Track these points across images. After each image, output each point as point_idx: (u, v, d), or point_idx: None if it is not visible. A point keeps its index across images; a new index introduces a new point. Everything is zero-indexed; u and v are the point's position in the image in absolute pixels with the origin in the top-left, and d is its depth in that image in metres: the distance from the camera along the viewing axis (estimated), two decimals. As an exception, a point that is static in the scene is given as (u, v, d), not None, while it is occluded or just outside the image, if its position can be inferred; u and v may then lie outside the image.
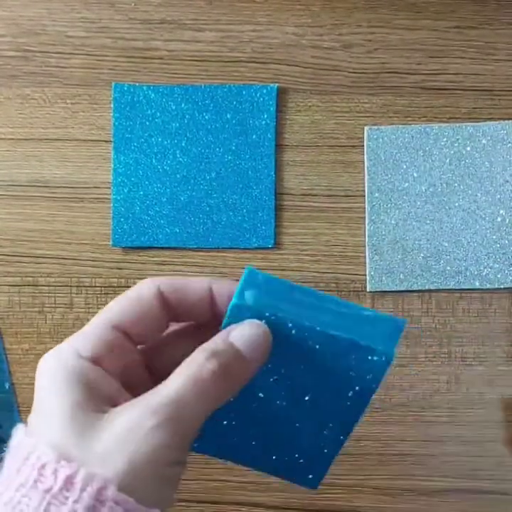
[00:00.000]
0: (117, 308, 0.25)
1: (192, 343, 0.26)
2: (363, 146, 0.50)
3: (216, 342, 0.24)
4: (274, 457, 0.27)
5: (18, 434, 0.23)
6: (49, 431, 0.22)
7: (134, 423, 0.22)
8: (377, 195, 0.50)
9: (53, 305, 0.50)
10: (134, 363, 0.26)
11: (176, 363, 0.25)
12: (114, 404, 0.23)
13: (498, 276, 0.49)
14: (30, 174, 0.50)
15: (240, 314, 0.25)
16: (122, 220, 0.50)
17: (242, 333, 0.24)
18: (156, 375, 0.26)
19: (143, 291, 0.25)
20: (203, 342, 0.25)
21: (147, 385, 0.25)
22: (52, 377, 0.23)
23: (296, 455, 0.27)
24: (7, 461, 0.22)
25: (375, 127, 0.50)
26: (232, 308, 0.25)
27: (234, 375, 0.24)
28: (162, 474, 0.22)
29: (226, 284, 0.26)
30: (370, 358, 0.24)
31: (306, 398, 0.25)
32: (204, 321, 0.27)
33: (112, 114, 0.50)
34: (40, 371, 0.24)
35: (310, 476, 0.27)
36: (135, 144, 0.50)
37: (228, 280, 0.26)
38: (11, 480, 0.21)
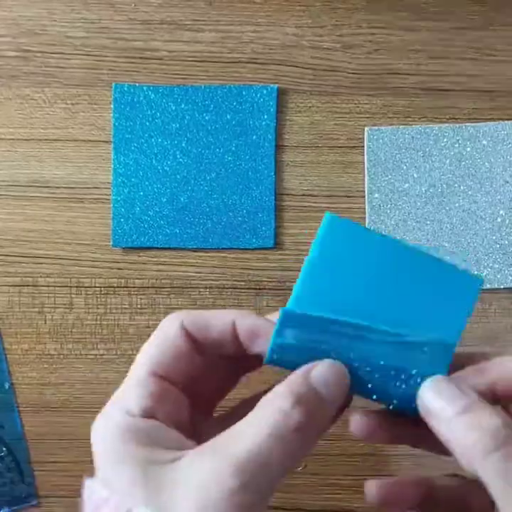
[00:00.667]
0: (151, 354, 0.24)
1: (224, 372, 0.26)
2: (363, 146, 0.50)
3: (297, 384, 0.22)
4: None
5: (102, 493, 0.22)
6: (129, 492, 0.21)
7: (213, 479, 0.20)
8: (377, 195, 0.50)
9: (53, 305, 0.50)
10: (182, 407, 0.25)
11: (214, 391, 0.25)
12: (177, 450, 0.22)
13: (498, 276, 0.49)
14: (30, 174, 0.50)
15: (282, 352, 0.24)
16: (122, 220, 0.50)
17: (322, 375, 0.23)
18: (197, 408, 0.26)
19: (169, 331, 0.25)
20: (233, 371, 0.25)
21: (197, 424, 0.25)
22: (108, 438, 0.23)
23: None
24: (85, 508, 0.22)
25: (375, 128, 0.50)
26: (273, 347, 0.24)
27: (319, 423, 0.22)
28: None
29: (248, 319, 0.25)
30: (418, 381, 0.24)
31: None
32: (229, 352, 0.25)
33: (111, 115, 0.50)
34: (96, 433, 0.23)
35: None
36: (135, 145, 0.50)
37: (250, 313, 0.25)
38: None
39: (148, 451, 0.22)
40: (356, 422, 0.25)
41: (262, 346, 0.24)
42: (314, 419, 0.21)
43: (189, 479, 0.20)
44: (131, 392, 0.24)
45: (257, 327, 0.24)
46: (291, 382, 0.22)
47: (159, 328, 0.25)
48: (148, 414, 0.23)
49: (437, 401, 0.23)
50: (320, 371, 0.23)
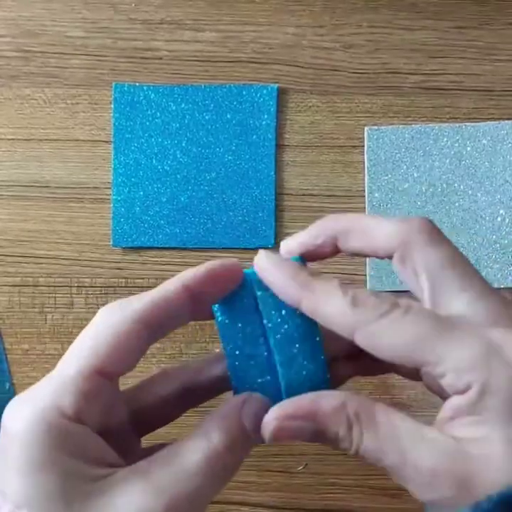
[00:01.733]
0: (90, 348, 0.22)
1: (172, 383, 0.25)
2: (363, 146, 0.50)
3: (231, 425, 0.22)
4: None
5: (7, 507, 0.20)
6: (41, 506, 0.19)
7: (142, 509, 0.20)
8: (377, 195, 0.50)
9: (53, 305, 0.50)
10: (119, 412, 0.24)
11: (155, 405, 0.25)
12: (105, 466, 0.21)
13: (498, 276, 0.49)
14: (30, 174, 0.50)
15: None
16: (122, 220, 0.50)
17: (254, 415, 0.23)
18: (135, 421, 0.25)
19: (115, 321, 0.23)
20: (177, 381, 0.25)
21: (128, 435, 0.24)
22: (27, 439, 0.20)
23: None
24: None
25: (375, 127, 0.50)
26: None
27: (244, 456, 0.23)
28: None
29: (193, 273, 0.24)
30: None
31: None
32: (184, 322, 0.25)
33: (112, 115, 0.50)
34: (11, 427, 0.20)
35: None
36: (135, 144, 0.50)
37: (195, 269, 0.24)
38: None
39: (74, 462, 0.20)
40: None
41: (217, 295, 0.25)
42: (242, 456, 0.22)
43: (115, 505, 0.20)
44: (60, 387, 0.22)
45: (207, 274, 0.24)
46: (225, 420, 0.22)
47: (102, 318, 0.23)
48: (77, 416, 0.21)
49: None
50: (251, 410, 0.23)
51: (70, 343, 0.54)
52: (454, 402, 0.21)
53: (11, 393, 0.50)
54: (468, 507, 0.19)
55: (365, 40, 0.50)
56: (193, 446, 0.22)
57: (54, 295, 0.50)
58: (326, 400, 0.22)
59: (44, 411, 0.21)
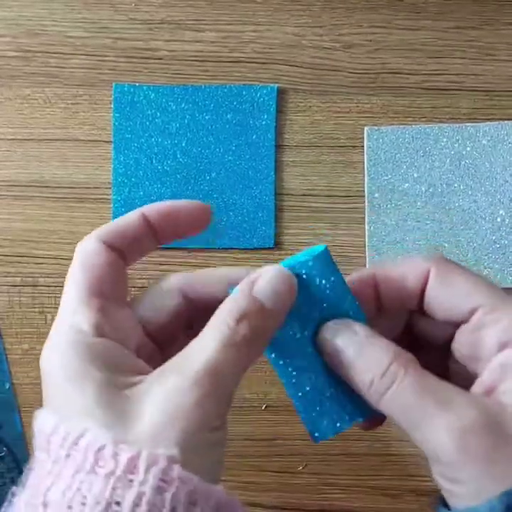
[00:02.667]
0: (81, 277, 0.24)
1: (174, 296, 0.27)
2: (363, 146, 0.50)
3: (241, 301, 0.23)
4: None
5: (50, 420, 0.22)
6: (85, 416, 0.21)
7: (177, 396, 0.21)
8: (377, 195, 0.50)
9: (53, 305, 0.50)
10: (133, 329, 0.25)
11: (164, 322, 0.26)
12: (135, 374, 0.22)
13: (498, 276, 0.49)
14: (31, 174, 0.50)
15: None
16: (122, 220, 0.50)
17: (265, 288, 0.23)
18: (159, 342, 0.26)
19: (90, 251, 0.25)
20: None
21: (155, 352, 0.25)
22: (62, 362, 0.22)
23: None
24: (42, 448, 0.21)
25: (375, 127, 0.50)
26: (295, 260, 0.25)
27: (265, 332, 0.23)
28: (212, 442, 0.22)
29: (157, 205, 0.26)
30: None
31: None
32: (149, 249, 0.27)
33: (112, 115, 0.50)
34: (47, 360, 0.23)
35: (316, 434, 0.26)
36: (135, 144, 0.50)
37: (158, 203, 0.27)
38: (58, 468, 0.20)
39: (107, 372, 0.22)
40: None
41: (182, 230, 0.27)
42: (259, 330, 0.23)
43: (151, 398, 0.21)
44: (74, 312, 0.23)
45: (169, 208, 0.26)
46: (236, 297, 0.23)
47: (79, 251, 0.25)
48: (98, 331, 0.23)
49: (336, 347, 0.24)
50: (264, 284, 0.23)
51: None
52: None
53: (11, 393, 0.50)
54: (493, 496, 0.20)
55: (365, 40, 0.50)
56: (209, 329, 0.23)
57: (54, 295, 0.50)
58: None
59: (67, 336, 0.23)
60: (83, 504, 0.19)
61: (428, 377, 0.23)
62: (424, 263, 0.25)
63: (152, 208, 0.26)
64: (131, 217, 0.26)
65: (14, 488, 0.21)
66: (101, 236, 0.25)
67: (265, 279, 0.24)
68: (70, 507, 0.19)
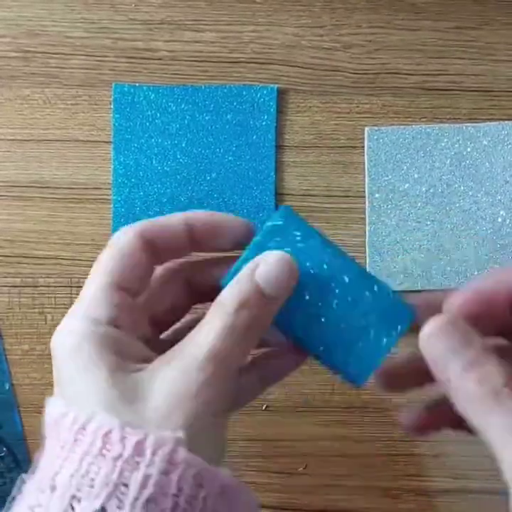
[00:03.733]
0: (109, 266, 0.25)
1: (179, 291, 0.27)
2: (364, 146, 0.50)
3: (242, 287, 0.23)
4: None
5: (59, 406, 0.22)
6: (94, 400, 0.21)
7: (183, 380, 0.22)
8: (377, 195, 0.50)
9: (53, 306, 0.50)
10: (143, 320, 0.26)
11: (169, 311, 0.26)
12: (143, 361, 0.23)
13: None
14: (30, 175, 0.50)
15: (270, 235, 0.25)
16: (122, 220, 0.50)
17: (268, 273, 0.23)
18: (158, 325, 0.27)
19: (125, 242, 0.25)
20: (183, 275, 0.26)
21: (155, 337, 0.26)
22: (77, 348, 0.23)
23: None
24: (52, 434, 0.22)
25: (376, 128, 0.50)
26: (266, 228, 0.25)
27: (265, 316, 0.24)
28: (217, 424, 0.22)
29: (202, 215, 0.26)
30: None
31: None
32: (184, 254, 0.27)
33: (112, 115, 0.50)
34: (61, 345, 0.24)
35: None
36: (135, 145, 0.50)
37: (203, 211, 0.26)
38: (66, 452, 0.21)
39: (116, 358, 0.22)
40: (409, 418, 0.27)
41: (222, 244, 0.26)
42: (260, 316, 0.23)
43: (158, 383, 0.22)
44: (94, 302, 0.24)
45: (214, 222, 0.26)
46: (237, 283, 0.23)
47: (114, 241, 0.25)
48: (114, 323, 0.24)
49: (441, 351, 0.23)
50: (266, 268, 0.23)
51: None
52: None
53: (11, 393, 0.50)
54: None
55: (365, 41, 0.50)
56: (211, 315, 0.23)
57: (54, 296, 0.50)
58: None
59: (83, 324, 0.23)
60: (91, 486, 0.19)
61: None
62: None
63: (197, 216, 0.26)
64: (173, 220, 0.26)
65: (24, 475, 0.22)
66: (139, 231, 0.25)
67: (267, 265, 0.24)
68: (78, 489, 0.19)
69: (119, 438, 0.20)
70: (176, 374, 0.22)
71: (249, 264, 0.24)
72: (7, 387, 0.50)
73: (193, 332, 0.23)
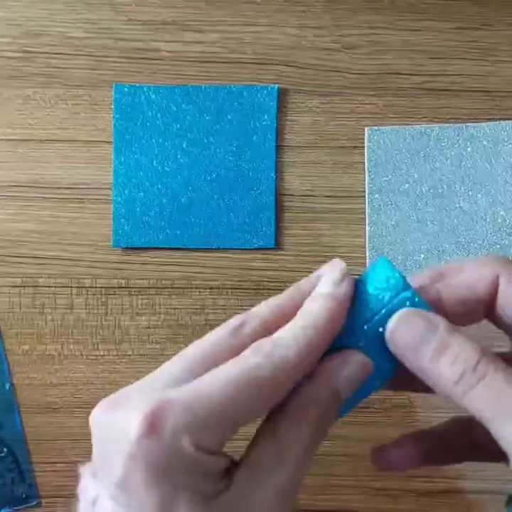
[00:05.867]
0: (245, 406, 0.21)
1: None
2: (364, 147, 0.50)
3: (321, 398, 0.22)
4: None
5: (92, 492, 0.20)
6: None
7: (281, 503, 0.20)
8: (377, 196, 0.50)
9: (54, 306, 0.50)
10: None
11: None
12: (225, 478, 0.21)
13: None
14: (31, 175, 0.50)
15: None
16: (123, 220, 0.50)
17: (349, 380, 0.23)
18: None
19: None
20: None
21: None
22: (164, 466, 0.19)
23: None
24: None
25: (376, 128, 0.50)
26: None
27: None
28: None
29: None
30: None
31: None
32: None
33: (112, 115, 0.50)
34: (150, 449, 0.19)
35: None
36: (136, 145, 0.50)
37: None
38: None
39: (192, 477, 0.19)
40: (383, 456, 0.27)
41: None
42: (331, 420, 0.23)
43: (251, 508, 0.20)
44: (212, 431, 0.20)
45: None
46: (318, 393, 0.22)
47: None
48: (213, 452, 0.20)
49: (411, 338, 0.23)
50: (349, 373, 0.23)
51: (70, 343, 0.54)
52: None
53: (11, 393, 0.50)
54: None
55: (365, 41, 0.50)
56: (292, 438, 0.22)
57: (54, 296, 0.50)
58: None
59: (184, 439, 0.19)
60: None
61: None
62: (489, 268, 0.24)
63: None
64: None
65: None
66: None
67: (351, 371, 0.23)
68: None
69: None
70: (263, 500, 0.20)
71: (330, 372, 0.23)
72: (7, 387, 0.50)
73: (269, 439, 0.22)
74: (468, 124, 0.49)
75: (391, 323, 0.23)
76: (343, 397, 0.23)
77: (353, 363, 0.23)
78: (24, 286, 0.50)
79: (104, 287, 0.50)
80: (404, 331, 0.23)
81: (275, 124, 0.50)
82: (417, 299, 0.23)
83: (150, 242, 0.50)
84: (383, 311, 0.23)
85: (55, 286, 0.50)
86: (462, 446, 0.28)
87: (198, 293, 0.50)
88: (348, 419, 0.50)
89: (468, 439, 0.27)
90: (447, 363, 0.22)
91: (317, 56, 0.50)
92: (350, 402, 0.24)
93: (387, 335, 0.23)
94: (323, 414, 0.22)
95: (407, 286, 0.24)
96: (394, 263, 0.49)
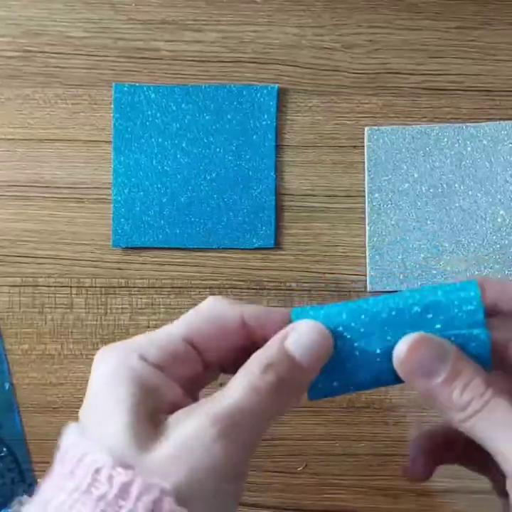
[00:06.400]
0: (195, 325, 0.25)
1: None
2: (364, 146, 0.50)
3: (270, 351, 0.23)
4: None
5: (72, 433, 0.22)
6: (105, 432, 0.21)
7: (194, 432, 0.21)
8: (377, 195, 0.50)
9: (53, 305, 0.50)
10: (199, 373, 0.25)
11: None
12: (174, 407, 0.23)
13: (499, 276, 0.49)
14: (30, 175, 0.50)
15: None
16: (122, 220, 0.50)
17: (298, 340, 0.23)
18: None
19: (227, 316, 0.25)
20: None
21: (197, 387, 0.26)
22: (112, 375, 0.23)
23: None
24: (58, 460, 0.22)
25: (376, 128, 0.50)
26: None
27: (292, 384, 0.23)
28: (222, 489, 0.21)
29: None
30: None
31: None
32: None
33: (112, 115, 0.50)
34: (100, 367, 0.23)
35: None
36: (135, 145, 0.50)
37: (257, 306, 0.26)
38: (63, 482, 0.21)
39: (147, 400, 0.22)
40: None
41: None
42: (287, 381, 0.23)
43: (173, 433, 0.21)
44: (153, 343, 0.24)
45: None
46: (268, 346, 0.23)
47: (216, 307, 0.25)
48: (159, 367, 0.23)
49: (419, 366, 0.24)
50: (297, 335, 0.23)
51: (70, 343, 0.54)
52: None
53: (11, 393, 0.50)
54: None
55: (365, 40, 0.50)
56: (237, 376, 0.23)
57: (54, 295, 0.50)
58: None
59: (123, 351, 0.23)
60: None
61: None
62: None
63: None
64: (279, 315, 0.26)
65: (22, 497, 0.22)
66: (243, 311, 0.25)
67: (298, 332, 0.24)
68: None
69: (107, 477, 0.20)
70: (190, 427, 0.21)
71: (281, 333, 0.24)
72: (7, 387, 0.50)
73: (218, 390, 0.23)
74: (468, 123, 0.49)
75: (403, 346, 0.24)
76: (306, 366, 0.23)
77: (302, 326, 0.24)
78: (24, 286, 0.50)
79: (104, 287, 0.50)
80: (415, 355, 0.24)
81: (275, 124, 0.50)
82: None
83: (150, 242, 0.50)
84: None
85: (55, 286, 0.50)
86: (463, 444, 0.28)
87: (197, 293, 0.50)
88: (348, 419, 0.51)
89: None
90: (457, 390, 0.23)
91: (317, 55, 0.50)
92: (337, 386, 0.25)
93: (398, 356, 0.24)
94: (279, 379, 0.22)
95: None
96: (394, 263, 0.49)
